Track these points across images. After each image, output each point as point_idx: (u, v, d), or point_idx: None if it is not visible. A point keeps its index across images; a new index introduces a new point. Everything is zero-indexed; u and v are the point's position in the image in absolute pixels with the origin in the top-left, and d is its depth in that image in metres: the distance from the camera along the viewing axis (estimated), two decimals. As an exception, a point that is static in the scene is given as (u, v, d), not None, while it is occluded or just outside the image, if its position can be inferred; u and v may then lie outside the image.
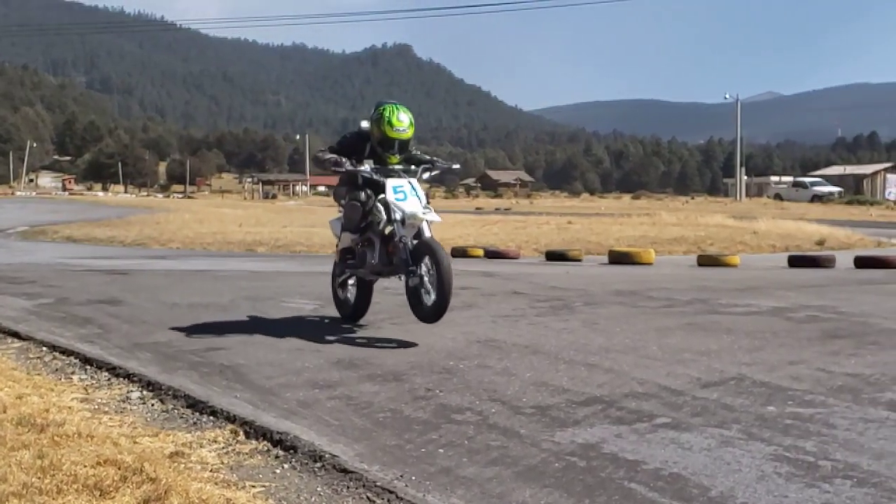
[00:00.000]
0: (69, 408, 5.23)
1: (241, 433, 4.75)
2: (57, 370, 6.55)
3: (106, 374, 6.34)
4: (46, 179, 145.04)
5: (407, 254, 7.17)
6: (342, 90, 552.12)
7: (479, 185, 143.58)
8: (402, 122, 7.53)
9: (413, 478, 3.99)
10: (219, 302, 9.92)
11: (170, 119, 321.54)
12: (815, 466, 4.14)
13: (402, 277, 7.39)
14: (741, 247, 20.87)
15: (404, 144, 7.65)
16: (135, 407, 5.47)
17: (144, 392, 5.79)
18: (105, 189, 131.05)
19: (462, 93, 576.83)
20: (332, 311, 9.24)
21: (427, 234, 7.25)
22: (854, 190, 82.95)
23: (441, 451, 4.39)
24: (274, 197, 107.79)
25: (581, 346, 7.23)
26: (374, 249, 7.56)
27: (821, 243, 21.76)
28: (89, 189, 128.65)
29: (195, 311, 9.24)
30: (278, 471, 4.19)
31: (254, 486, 3.97)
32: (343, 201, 7.89)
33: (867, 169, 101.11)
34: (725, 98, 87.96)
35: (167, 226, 29.16)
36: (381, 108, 7.57)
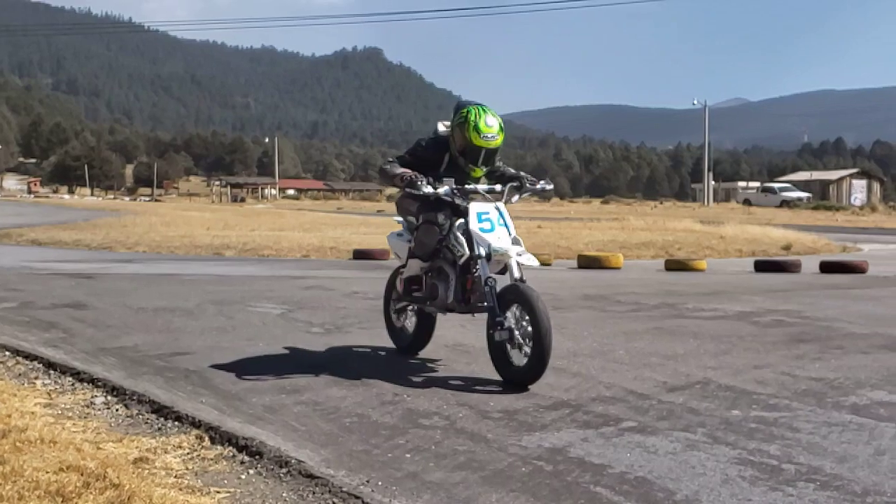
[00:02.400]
0: (32, 413, 5.16)
1: (207, 438, 4.71)
2: (20, 375, 6.47)
3: (70, 378, 6.27)
4: (11, 182, 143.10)
5: (493, 299, 5.89)
6: (312, 93, 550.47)
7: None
8: (491, 126, 6.28)
9: (379, 483, 3.97)
10: (185, 306, 9.84)
11: (137, 121, 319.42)
12: (779, 470, 4.17)
13: (470, 312, 6.40)
14: (708, 251, 21.03)
15: (491, 154, 6.38)
16: (99, 412, 5.41)
17: (109, 397, 5.74)
18: (71, 192, 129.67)
19: (432, 96, 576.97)
20: (300, 315, 9.22)
21: (516, 273, 6.01)
22: (820, 195, 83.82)
23: (408, 455, 4.38)
24: (242, 200, 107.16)
25: (549, 351, 7.23)
26: (447, 282, 6.37)
27: (787, 248, 21.99)
28: (55, 192, 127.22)
29: (161, 315, 9.16)
30: (243, 476, 4.16)
31: (219, 492, 3.93)
32: (411, 218, 6.69)
33: (833, 175, 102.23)
34: (694, 104, 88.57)
35: (134, 229, 28.90)
36: (465, 111, 6.32)
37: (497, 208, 6.29)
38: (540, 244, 22.40)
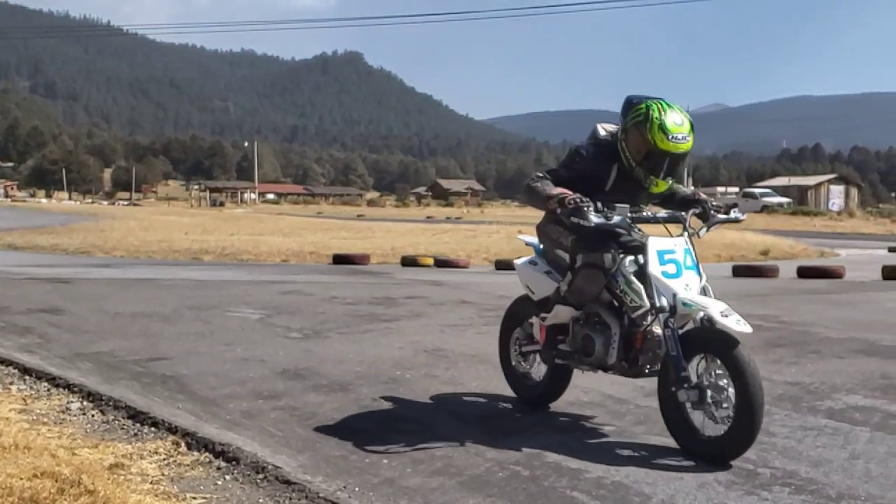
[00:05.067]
0: (6, 419, 5.12)
1: (183, 444, 4.69)
2: (-6, 381, 6.41)
3: (46, 384, 6.21)
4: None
5: (677, 347, 4.51)
6: (291, 97, 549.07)
7: (429, 193, 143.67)
8: (680, 125, 4.75)
9: (356, 488, 3.97)
10: (162, 311, 9.78)
11: (115, 125, 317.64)
12: (755, 474, 4.20)
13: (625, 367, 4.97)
14: (687, 256, 21.07)
15: (678, 162, 4.85)
16: (75, 418, 5.37)
17: (85, 403, 5.69)
18: (49, 196, 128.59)
19: (413, 101, 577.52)
20: (279, 320, 9.19)
21: (711, 309, 4.49)
22: (798, 201, 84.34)
23: (385, 461, 4.38)
24: (221, 205, 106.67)
25: (527, 356, 7.25)
26: (607, 336, 4.95)
27: (765, 253, 22.12)
28: (32, 195, 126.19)
29: (138, 320, 9.11)
30: (220, 482, 4.15)
31: (195, 498, 3.91)
32: (561, 253, 5.27)
33: (811, 180, 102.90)
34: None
35: (111, 233, 28.73)
36: (642, 107, 4.82)
37: (685, 245, 4.81)
38: (520, 249, 22.43)
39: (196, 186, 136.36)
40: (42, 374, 6.43)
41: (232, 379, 6.24)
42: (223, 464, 4.39)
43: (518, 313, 5.77)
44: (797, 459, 4.43)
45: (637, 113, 4.81)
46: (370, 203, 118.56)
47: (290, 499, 3.91)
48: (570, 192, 4.73)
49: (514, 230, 32.68)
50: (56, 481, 3.83)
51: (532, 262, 5.57)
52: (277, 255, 20.33)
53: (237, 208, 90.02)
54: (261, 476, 4.18)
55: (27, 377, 6.43)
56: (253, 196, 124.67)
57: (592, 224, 4.70)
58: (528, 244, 5.81)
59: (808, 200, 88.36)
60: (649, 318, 4.71)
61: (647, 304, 4.69)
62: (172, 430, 4.94)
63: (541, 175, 5.01)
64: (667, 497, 3.88)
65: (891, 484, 4.08)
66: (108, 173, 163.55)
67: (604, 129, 5.19)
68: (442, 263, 18.12)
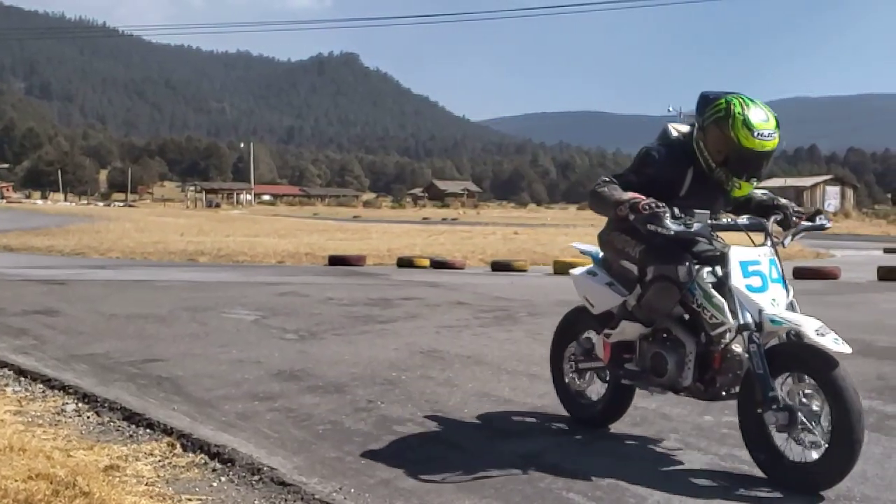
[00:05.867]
0: (1, 421, 5.11)
1: (179, 446, 4.68)
2: (-11, 383, 6.40)
3: (41, 385, 6.20)
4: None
5: (763, 365, 4.07)
6: (287, 98, 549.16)
7: (426, 194, 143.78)
8: (766, 121, 4.31)
9: (352, 490, 3.96)
10: (158, 313, 9.77)
11: (111, 126, 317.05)
12: (750, 475, 4.20)
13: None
14: (683, 257, 21.11)
15: (763, 162, 4.40)
16: (70, 419, 5.36)
17: (80, 404, 5.68)
18: (44, 197, 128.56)
19: (409, 102, 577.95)
20: (274, 322, 9.18)
21: (805, 327, 4.07)
22: (794, 202, 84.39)
23: (381, 462, 4.37)
24: (217, 206, 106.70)
25: (524, 357, 7.27)
26: (680, 355, 4.51)
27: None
28: (28, 197, 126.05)
29: (134, 322, 9.10)
30: (215, 484, 4.14)
31: (190, 500, 3.91)
32: (627, 264, 4.80)
33: (807, 181, 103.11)
34: (669, 110, 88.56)
35: (107, 235, 28.70)
36: (722, 102, 4.38)
37: (770, 254, 4.38)
38: (516, 250, 22.48)
39: (192, 188, 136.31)
40: (37, 375, 6.42)
41: (227, 380, 6.24)
42: (219, 465, 4.38)
43: (573, 326, 5.33)
44: (793, 460, 4.42)
45: (716, 109, 4.36)
46: (366, 204, 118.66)
47: (286, 500, 3.90)
48: (643, 197, 4.31)
49: (510, 231, 32.73)
50: (51, 483, 3.82)
51: (591, 273, 5.14)
52: (273, 256, 20.31)
53: (233, 209, 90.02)
54: (256, 477, 4.18)
55: (22, 379, 6.42)
56: (249, 197, 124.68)
57: (671, 232, 4.24)
58: (583, 253, 5.44)
59: (804, 201, 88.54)
60: (728, 336, 4.29)
61: (731, 320, 4.23)
62: (168, 431, 4.93)
63: (607, 179, 4.60)
64: (663, 499, 3.88)
65: (886, 485, 4.09)
66: (103, 174, 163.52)
67: (675, 130, 4.73)
68: (438, 265, 18.12)
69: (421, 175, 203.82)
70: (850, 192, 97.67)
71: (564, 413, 5.37)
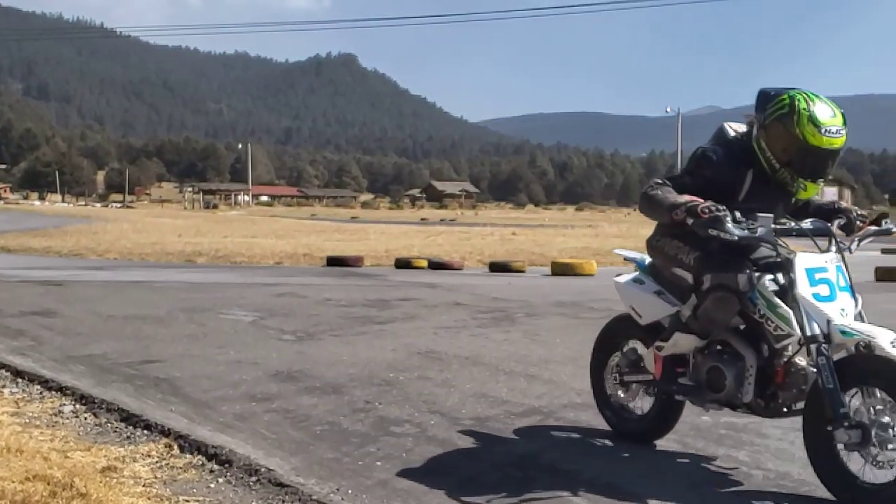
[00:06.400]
0: (-2, 422, 5.11)
1: (176, 447, 4.67)
2: (-13, 384, 6.39)
3: (38, 387, 6.20)
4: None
5: (833, 381, 3.79)
6: (285, 99, 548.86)
7: (424, 195, 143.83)
8: (833, 117, 4.09)
9: (349, 491, 3.96)
10: (156, 314, 9.77)
11: (109, 127, 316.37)
12: (748, 476, 4.21)
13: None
14: (680, 258, 21.13)
15: (829, 161, 4.17)
16: (67, 421, 5.36)
17: (77, 405, 5.68)
18: (42, 198, 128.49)
19: (407, 103, 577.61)
20: (272, 322, 9.19)
21: (880, 339, 3.84)
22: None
23: (378, 463, 4.38)
24: (215, 207, 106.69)
25: (521, 358, 7.28)
26: (739, 369, 4.21)
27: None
28: (25, 198, 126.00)
29: (131, 323, 9.09)
30: (213, 485, 4.14)
31: (188, 501, 3.90)
32: (680, 272, 4.46)
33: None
34: (667, 111, 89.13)
35: (105, 236, 28.69)
36: (784, 98, 4.13)
37: (837, 261, 4.12)
38: (514, 251, 22.48)
39: (189, 188, 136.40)
40: (34, 376, 6.42)
41: (225, 381, 6.24)
42: (216, 466, 4.38)
43: (616, 336, 5.03)
44: (790, 461, 4.43)
45: (779, 105, 4.09)
46: (364, 205, 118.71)
47: (283, 501, 3.90)
48: (701, 200, 4.03)
49: (507, 232, 32.74)
50: (48, 484, 3.82)
51: (637, 281, 4.80)
52: (271, 257, 20.31)
53: (231, 210, 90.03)
54: (254, 478, 4.17)
55: (19, 380, 6.42)
56: (246, 198, 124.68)
57: (734, 237, 3.95)
58: (627, 259, 5.14)
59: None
60: (791, 349, 4.03)
61: (798, 331, 3.96)
62: (165, 432, 4.93)
63: (660, 182, 4.33)
64: (660, 499, 3.88)
65: (883, 485, 4.09)
66: (101, 175, 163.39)
67: (732, 129, 4.45)
68: (436, 265, 18.11)
69: (419, 176, 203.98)
70: (847, 193, 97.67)
71: (562, 414, 5.37)
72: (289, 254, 21.00)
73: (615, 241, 25.83)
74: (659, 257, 4.61)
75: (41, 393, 6.05)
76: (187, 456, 4.55)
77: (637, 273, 4.87)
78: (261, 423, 5.13)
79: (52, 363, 6.90)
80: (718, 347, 4.33)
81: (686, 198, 4.09)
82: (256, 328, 8.88)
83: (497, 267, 17.65)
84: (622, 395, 4.88)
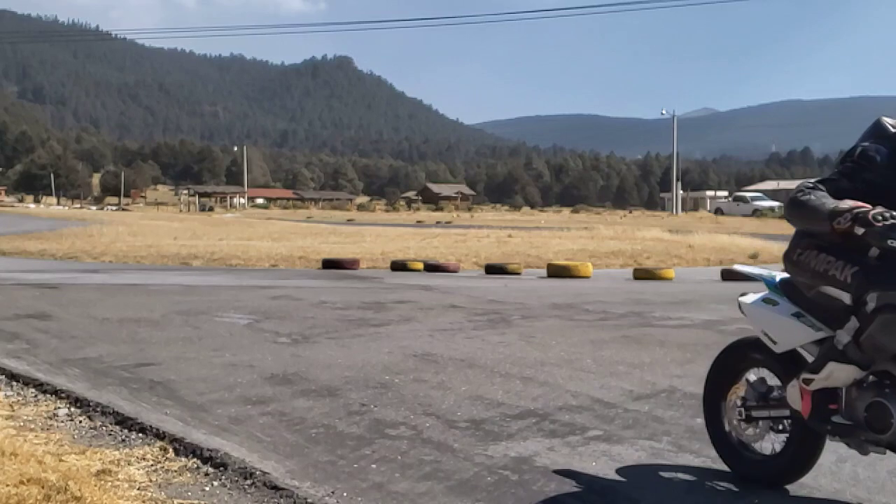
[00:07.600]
0: (-7, 426, 5.10)
1: (171, 450, 4.67)
2: (-19, 387, 6.38)
3: (33, 390, 6.19)
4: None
5: None
6: (281, 101, 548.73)
7: (419, 198, 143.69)
8: None
9: (345, 494, 3.96)
10: (151, 317, 9.76)
11: (104, 130, 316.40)
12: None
13: None
14: (677, 260, 21.19)
15: None
16: (62, 424, 5.35)
17: (72, 408, 5.67)
18: (37, 201, 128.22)
19: (403, 105, 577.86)
20: (268, 325, 9.18)
21: None
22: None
23: (374, 466, 4.37)
24: (211, 209, 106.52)
25: (517, 360, 7.27)
26: None
27: (754, 257, 22.17)
28: (21, 201, 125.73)
29: (126, 325, 9.08)
30: (208, 488, 4.13)
31: (182, 505, 3.90)
32: (831, 290, 3.76)
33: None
34: (663, 114, 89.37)
35: (100, 239, 28.65)
36: None
37: None
38: (510, 253, 22.47)
39: (185, 191, 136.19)
40: (29, 379, 6.40)
41: (220, 384, 6.23)
42: (211, 469, 4.38)
43: (737, 363, 4.41)
44: None
45: None
46: (360, 207, 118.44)
47: (278, 504, 3.89)
48: (868, 205, 3.43)
49: (503, 234, 32.71)
50: (42, 488, 3.81)
51: (768, 301, 4.18)
52: (266, 259, 20.29)
53: (226, 213, 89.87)
54: (249, 482, 4.17)
55: (14, 383, 6.41)
56: (242, 201, 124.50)
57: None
58: (751, 276, 4.54)
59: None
60: None
61: None
62: (160, 435, 4.92)
63: (811, 185, 3.74)
64: (655, 502, 3.88)
65: (878, 487, 4.10)
66: (96, 178, 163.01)
67: (892, 126, 3.81)
68: (432, 268, 18.12)
69: (415, 178, 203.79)
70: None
71: (558, 416, 5.37)
72: (284, 256, 20.98)
73: (611, 244, 25.89)
74: (803, 274, 3.92)
75: (36, 396, 6.04)
76: (182, 459, 4.54)
77: (767, 293, 4.24)
78: (256, 427, 5.12)
79: (47, 366, 6.89)
80: (875, 379, 3.65)
81: (850, 203, 3.47)
82: (252, 331, 8.87)
83: (493, 269, 17.66)
84: (747, 433, 4.20)
